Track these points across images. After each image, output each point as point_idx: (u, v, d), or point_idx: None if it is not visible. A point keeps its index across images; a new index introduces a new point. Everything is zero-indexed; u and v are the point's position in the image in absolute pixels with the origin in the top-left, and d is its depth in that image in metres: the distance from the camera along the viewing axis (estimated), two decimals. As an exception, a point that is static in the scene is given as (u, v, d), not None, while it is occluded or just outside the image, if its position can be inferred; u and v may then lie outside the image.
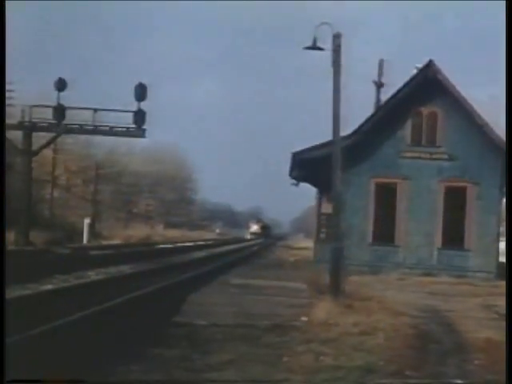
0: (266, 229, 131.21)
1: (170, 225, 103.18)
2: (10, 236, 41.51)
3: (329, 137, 21.36)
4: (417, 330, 14.79)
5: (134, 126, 46.10)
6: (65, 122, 46.69)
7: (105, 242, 58.39)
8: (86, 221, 59.09)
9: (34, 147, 47.95)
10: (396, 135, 35.91)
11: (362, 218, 35.55)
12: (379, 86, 43.97)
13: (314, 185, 40.96)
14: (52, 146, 58.81)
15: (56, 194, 68.84)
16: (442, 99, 35.33)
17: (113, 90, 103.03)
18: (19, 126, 46.11)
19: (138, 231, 77.25)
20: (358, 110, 33.44)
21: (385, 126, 35.43)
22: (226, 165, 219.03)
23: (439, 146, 35.72)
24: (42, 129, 47.72)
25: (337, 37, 20.83)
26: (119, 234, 69.96)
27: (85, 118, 47.18)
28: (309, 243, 54.55)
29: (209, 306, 17.15)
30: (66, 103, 46.50)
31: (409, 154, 35.82)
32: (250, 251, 56.65)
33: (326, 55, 20.94)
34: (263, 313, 16.33)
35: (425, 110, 35.70)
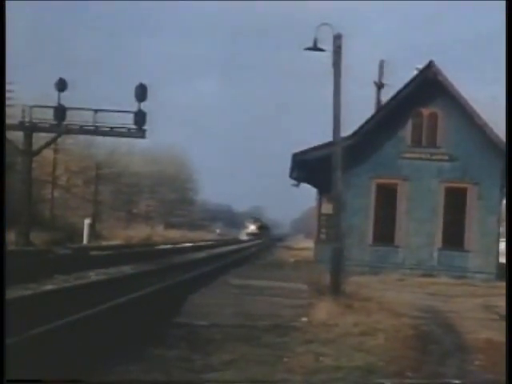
0: (263, 229, 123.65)
1: (170, 225, 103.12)
2: (11, 236, 41.47)
3: (329, 137, 21.37)
4: (417, 331, 14.79)
5: (134, 126, 46.11)
6: (65, 122, 46.67)
7: (105, 243, 58.34)
8: (87, 221, 59.05)
9: (35, 147, 47.92)
10: (396, 136, 35.92)
11: (362, 219, 35.56)
12: (380, 86, 43.97)
13: (315, 185, 41.00)
14: (52, 146, 58.79)
15: (56, 194, 68.80)
16: (442, 100, 35.35)
17: (113, 91, 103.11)
18: (20, 126, 46.07)
19: (138, 232, 77.19)
20: (359, 110, 33.48)
21: (385, 127, 35.45)
22: (226, 165, 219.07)
23: (439, 147, 35.74)
24: (43, 129, 47.70)
25: (337, 38, 20.84)
26: (119, 235, 69.90)
27: (85, 118, 47.19)
28: (309, 244, 54.54)
29: (209, 306, 17.14)
30: (66, 104, 46.52)
31: (409, 155, 35.83)
32: (248, 252, 56.27)
33: (327, 56, 20.97)
34: (263, 313, 16.32)
35: (425, 111, 35.72)
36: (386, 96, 39.94)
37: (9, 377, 7.69)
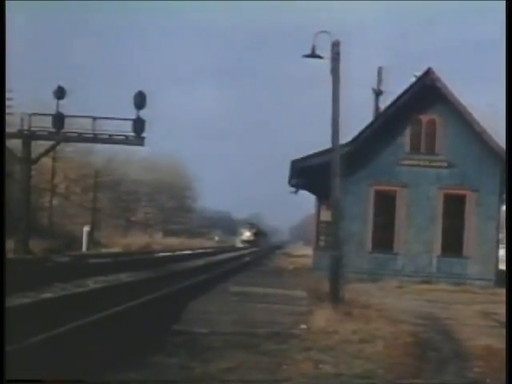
0: (260, 236, 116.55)
1: (169, 233, 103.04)
2: (10, 244, 41.42)
3: (328, 144, 21.38)
4: (416, 338, 14.77)
5: (133, 134, 46.15)
6: (64, 130, 46.73)
7: (104, 250, 58.34)
8: (85, 229, 59.08)
9: (33, 155, 47.96)
10: (395, 143, 35.93)
11: (361, 226, 35.55)
12: (378, 93, 44.01)
13: (313, 192, 40.97)
14: (51, 154, 58.81)
15: (55, 202, 68.83)
16: (440, 107, 35.39)
17: (112, 99, 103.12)
18: (18, 134, 46.12)
19: (137, 239, 77.18)
20: (357, 117, 33.49)
21: (384, 134, 35.47)
22: (225, 173, 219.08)
23: (438, 154, 35.75)
24: (41, 137, 47.74)
25: (335, 45, 20.86)
26: (118, 242, 69.92)
27: (84, 126, 47.24)
28: (308, 251, 54.48)
29: (208, 313, 17.13)
30: (65, 111, 46.57)
31: (408, 162, 35.85)
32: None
33: (325, 63, 21.00)
34: (262, 320, 16.32)
35: (424, 118, 35.74)
36: (385, 103, 40.03)
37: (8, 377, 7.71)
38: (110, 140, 47.70)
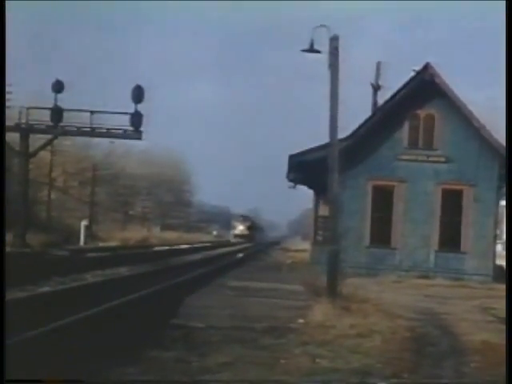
0: (254, 230, 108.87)
1: (166, 227, 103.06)
2: (8, 238, 41.41)
3: (326, 139, 21.36)
4: (413, 333, 14.79)
5: (131, 128, 46.14)
6: (62, 123, 46.71)
7: (102, 244, 58.37)
8: (83, 223, 59.10)
9: (31, 149, 47.95)
10: (393, 138, 35.92)
11: (358, 221, 35.55)
12: (376, 88, 44.00)
13: (311, 187, 40.97)
14: (49, 147, 58.77)
15: (53, 195, 68.79)
16: (439, 102, 35.36)
17: (110, 92, 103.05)
18: (16, 127, 46.09)
19: (135, 233, 77.16)
20: (356, 112, 33.44)
21: (382, 129, 35.45)
22: (222, 167, 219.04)
23: (436, 149, 35.73)
24: (39, 131, 47.73)
25: (334, 39, 20.82)
26: (116, 236, 69.92)
27: (82, 119, 47.24)
28: (306, 245, 54.54)
29: (205, 308, 17.14)
30: (63, 105, 46.54)
31: (406, 157, 35.82)
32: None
33: (323, 57, 20.96)
34: (260, 315, 16.32)
35: (422, 113, 35.72)
36: (383, 98, 39.98)
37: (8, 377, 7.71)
38: (108, 134, 47.70)
